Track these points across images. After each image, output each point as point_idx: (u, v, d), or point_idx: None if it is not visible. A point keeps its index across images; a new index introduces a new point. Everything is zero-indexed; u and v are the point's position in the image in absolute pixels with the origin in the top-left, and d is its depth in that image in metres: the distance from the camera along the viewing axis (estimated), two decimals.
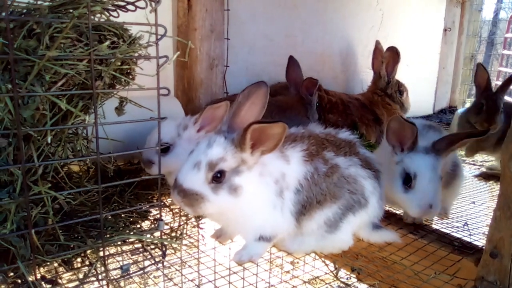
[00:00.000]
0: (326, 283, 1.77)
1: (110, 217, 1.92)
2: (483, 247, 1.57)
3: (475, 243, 1.97)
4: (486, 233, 1.57)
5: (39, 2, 1.57)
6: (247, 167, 1.59)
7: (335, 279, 1.74)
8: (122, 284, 1.62)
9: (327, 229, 1.75)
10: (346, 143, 1.88)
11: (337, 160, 1.78)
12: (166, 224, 2.04)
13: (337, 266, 1.78)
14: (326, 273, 1.78)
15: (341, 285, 1.70)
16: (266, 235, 1.73)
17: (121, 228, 1.85)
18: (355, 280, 1.78)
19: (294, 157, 1.71)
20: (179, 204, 1.57)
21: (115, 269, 1.63)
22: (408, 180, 1.94)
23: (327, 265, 1.79)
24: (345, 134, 1.95)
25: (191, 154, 1.59)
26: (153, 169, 2.09)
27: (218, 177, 1.54)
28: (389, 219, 2.14)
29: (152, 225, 1.97)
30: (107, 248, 1.74)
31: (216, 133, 1.62)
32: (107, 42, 1.51)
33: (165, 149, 2.09)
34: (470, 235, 2.10)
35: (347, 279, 1.79)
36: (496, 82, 7.32)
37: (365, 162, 1.86)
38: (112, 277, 1.56)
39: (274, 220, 1.69)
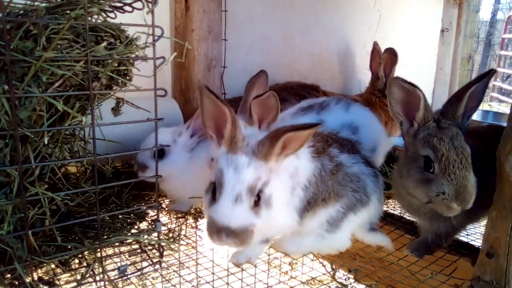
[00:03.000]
0: (324, 284, 1.77)
1: (107, 218, 1.92)
2: (480, 247, 1.57)
3: (472, 243, 1.97)
4: (483, 233, 1.57)
5: (36, 3, 1.57)
6: (273, 174, 1.48)
7: (332, 280, 1.74)
8: (120, 285, 1.62)
9: (328, 228, 1.75)
10: (348, 142, 1.89)
11: (341, 157, 1.78)
12: (164, 225, 2.04)
13: (334, 267, 1.78)
14: (323, 274, 1.78)
15: (339, 285, 1.70)
16: (270, 237, 1.73)
17: (118, 229, 1.85)
18: (353, 280, 1.78)
19: (303, 153, 1.68)
20: (228, 246, 1.40)
21: (112, 270, 1.63)
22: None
23: (324, 266, 1.79)
24: (345, 133, 1.96)
25: (222, 189, 1.38)
26: (147, 173, 2.06)
27: (258, 200, 1.42)
28: (386, 219, 2.14)
29: (150, 226, 1.97)
30: (105, 249, 1.74)
31: (237, 150, 1.43)
32: (104, 43, 1.51)
33: (161, 155, 2.07)
34: (467, 235, 2.10)
35: (345, 279, 1.79)
36: (494, 83, 7.36)
37: (366, 160, 1.87)
38: (109, 278, 1.56)
39: (282, 219, 1.65)
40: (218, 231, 1.36)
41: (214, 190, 1.42)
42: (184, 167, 2.13)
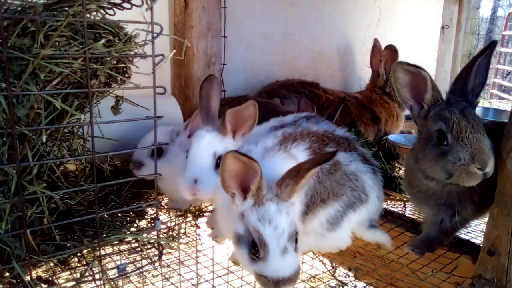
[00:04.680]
0: (323, 282, 1.76)
1: (106, 216, 1.91)
2: (481, 245, 1.57)
3: (473, 240, 1.97)
4: (484, 230, 1.56)
5: (34, 0, 1.56)
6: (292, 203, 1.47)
7: (332, 278, 1.74)
8: (120, 283, 1.61)
9: (328, 227, 1.73)
10: (344, 140, 1.88)
11: (338, 156, 1.76)
12: (164, 223, 2.03)
13: (334, 264, 1.77)
14: (323, 272, 1.78)
15: (339, 283, 1.70)
16: None
17: (117, 228, 1.84)
18: (353, 278, 1.77)
19: (301, 156, 1.67)
20: None
21: (111, 268, 1.62)
22: None
23: (324, 263, 1.79)
24: (342, 131, 1.94)
25: (266, 247, 1.36)
26: (142, 170, 2.06)
27: (296, 240, 1.42)
28: (387, 217, 2.14)
29: (149, 225, 1.96)
30: (104, 247, 1.73)
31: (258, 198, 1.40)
32: (103, 41, 1.50)
33: (158, 153, 2.02)
34: (468, 232, 2.10)
35: (345, 277, 1.79)
36: (494, 80, 7.34)
37: (364, 157, 1.86)
38: (108, 277, 1.56)
39: None
40: (276, 284, 1.36)
41: (251, 245, 1.39)
42: (182, 167, 2.11)
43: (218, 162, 1.73)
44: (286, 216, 1.38)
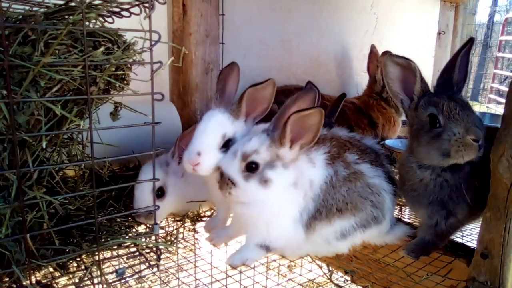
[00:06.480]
0: (320, 286, 1.78)
1: (105, 221, 1.93)
2: (475, 248, 1.59)
3: (468, 244, 1.98)
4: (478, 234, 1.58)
5: (34, 9, 1.59)
6: (283, 163, 1.62)
7: (329, 281, 1.75)
8: None
9: (338, 237, 1.73)
10: (372, 151, 1.85)
11: (361, 166, 1.74)
12: (162, 228, 2.05)
13: (331, 268, 1.79)
14: (320, 276, 1.79)
15: (335, 287, 1.71)
16: (269, 246, 1.73)
17: (116, 232, 1.86)
18: (350, 282, 1.79)
19: (318, 160, 1.69)
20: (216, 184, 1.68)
21: (110, 273, 1.64)
22: None
23: (321, 267, 1.80)
24: (371, 142, 1.91)
25: (236, 143, 1.73)
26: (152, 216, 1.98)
27: (252, 168, 1.61)
28: None
29: (148, 229, 1.98)
30: (103, 252, 1.75)
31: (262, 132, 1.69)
32: (102, 48, 1.53)
33: (161, 195, 2.04)
34: (462, 236, 2.12)
35: (344, 281, 1.80)
36: (491, 84, 7.39)
37: (389, 176, 1.83)
38: (107, 281, 1.57)
39: (286, 233, 1.68)
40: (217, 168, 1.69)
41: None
42: (182, 191, 2.11)
43: (227, 144, 1.78)
44: (255, 143, 1.63)
